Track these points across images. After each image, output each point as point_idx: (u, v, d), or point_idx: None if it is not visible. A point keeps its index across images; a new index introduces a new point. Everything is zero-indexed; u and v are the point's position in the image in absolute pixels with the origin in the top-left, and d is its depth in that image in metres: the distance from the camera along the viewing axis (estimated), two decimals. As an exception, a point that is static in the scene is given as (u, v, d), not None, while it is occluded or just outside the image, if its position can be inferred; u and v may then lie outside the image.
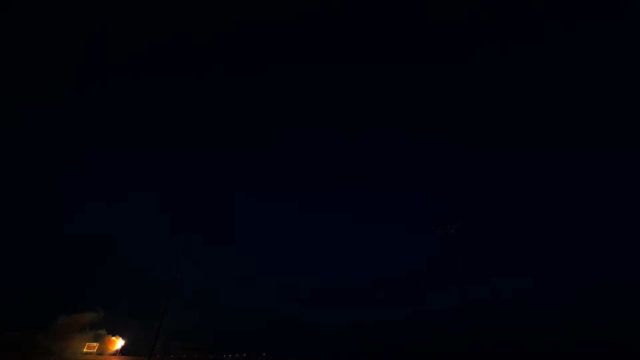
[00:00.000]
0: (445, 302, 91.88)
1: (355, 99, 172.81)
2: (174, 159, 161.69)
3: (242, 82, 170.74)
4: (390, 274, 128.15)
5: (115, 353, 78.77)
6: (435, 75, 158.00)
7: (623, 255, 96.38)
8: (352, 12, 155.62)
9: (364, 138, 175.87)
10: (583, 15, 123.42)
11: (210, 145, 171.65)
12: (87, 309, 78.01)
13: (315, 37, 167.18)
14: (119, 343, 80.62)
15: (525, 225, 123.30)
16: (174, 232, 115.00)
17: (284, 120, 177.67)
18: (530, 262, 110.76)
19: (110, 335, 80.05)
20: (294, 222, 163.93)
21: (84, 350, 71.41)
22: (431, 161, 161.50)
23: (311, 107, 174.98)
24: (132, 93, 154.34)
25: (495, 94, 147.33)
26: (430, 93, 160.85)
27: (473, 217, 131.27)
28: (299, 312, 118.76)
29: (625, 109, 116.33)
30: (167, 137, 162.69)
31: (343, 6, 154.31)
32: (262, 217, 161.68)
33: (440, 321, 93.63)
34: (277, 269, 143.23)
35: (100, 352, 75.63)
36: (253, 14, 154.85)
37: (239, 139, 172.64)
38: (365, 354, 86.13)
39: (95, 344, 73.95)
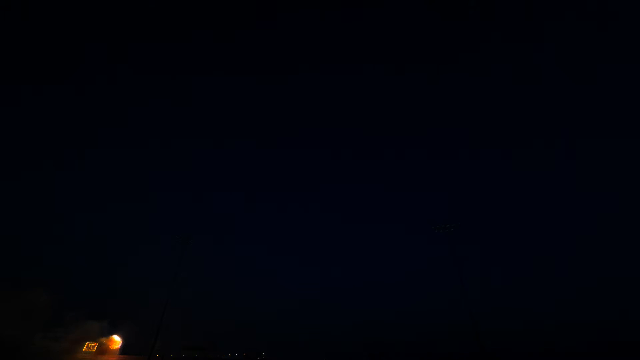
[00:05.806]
0: (445, 303, 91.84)
1: (355, 100, 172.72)
2: (174, 159, 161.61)
3: (239, 83, 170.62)
4: (391, 275, 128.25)
5: (115, 352, 78.33)
6: (434, 75, 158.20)
7: (623, 255, 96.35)
8: (347, 11, 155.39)
9: (365, 139, 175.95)
10: (583, 16, 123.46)
11: (209, 145, 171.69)
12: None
13: (317, 39, 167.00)
14: (118, 342, 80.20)
15: (526, 225, 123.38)
16: (173, 232, 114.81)
17: (285, 121, 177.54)
18: (530, 262, 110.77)
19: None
20: (296, 223, 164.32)
21: (83, 349, 70.81)
22: (435, 161, 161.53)
23: (321, 108, 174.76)
24: (132, 93, 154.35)
25: (495, 94, 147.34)
26: (430, 93, 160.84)
27: (473, 217, 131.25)
28: (298, 312, 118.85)
29: (625, 107, 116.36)
30: (166, 137, 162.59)
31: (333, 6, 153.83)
32: (262, 217, 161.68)
33: (440, 321, 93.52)
34: (277, 268, 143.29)
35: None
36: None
37: (238, 139, 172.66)
38: (365, 354, 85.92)
39: (94, 344, 73.13)
